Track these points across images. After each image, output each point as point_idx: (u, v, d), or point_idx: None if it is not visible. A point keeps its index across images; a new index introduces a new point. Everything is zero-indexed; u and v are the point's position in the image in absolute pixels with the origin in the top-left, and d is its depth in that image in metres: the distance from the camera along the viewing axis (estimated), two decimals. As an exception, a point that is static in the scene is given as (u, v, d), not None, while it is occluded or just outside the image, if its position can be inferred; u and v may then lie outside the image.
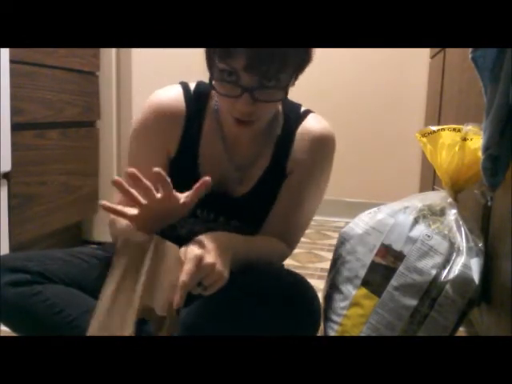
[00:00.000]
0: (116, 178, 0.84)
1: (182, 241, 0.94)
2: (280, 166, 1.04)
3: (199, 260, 0.81)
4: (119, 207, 0.89)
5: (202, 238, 0.88)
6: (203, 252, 0.83)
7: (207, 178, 0.85)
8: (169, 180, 0.83)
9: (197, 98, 1.05)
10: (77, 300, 0.96)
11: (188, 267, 0.81)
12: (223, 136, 1.04)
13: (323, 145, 1.05)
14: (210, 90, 1.04)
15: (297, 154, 1.04)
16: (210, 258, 0.83)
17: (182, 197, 0.86)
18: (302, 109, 1.09)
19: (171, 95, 1.04)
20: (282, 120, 1.06)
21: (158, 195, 0.84)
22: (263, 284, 0.93)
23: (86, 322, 0.85)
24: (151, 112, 1.03)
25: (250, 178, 1.05)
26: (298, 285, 0.96)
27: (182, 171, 1.03)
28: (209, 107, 1.05)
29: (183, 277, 0.80)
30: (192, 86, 1.07)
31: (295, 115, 1.07)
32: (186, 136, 1.03)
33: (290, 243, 1.08)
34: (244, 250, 0.94)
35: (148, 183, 0.83)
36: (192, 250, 0.83)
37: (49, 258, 0.99)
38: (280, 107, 1.07)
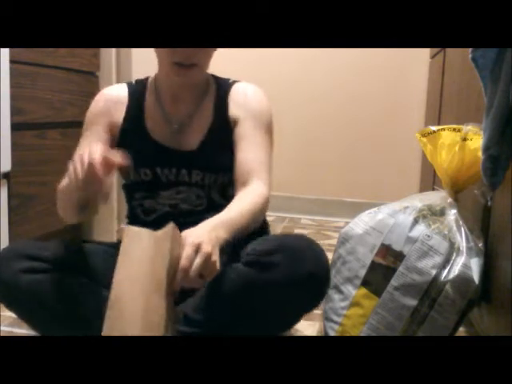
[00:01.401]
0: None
1: (167, 216, 1.09)
2: (223, 119, 1.16)
3: (197, 247, 0.85)
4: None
5: (197, 230, 0.91)
6: (200, 241, 0.86)
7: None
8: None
9: (137, 83, 1.21)
10: (91, 290, 0.98)
11: (188, 252, 0.84)
12: (160, 101, 1.17)
13: (253, 93, 1.19)
14: (147, 77, 1.22)
15: (234, 109, 1.16)
16: (207, 247, 0.86)
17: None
18: (230, 80, 1.22)
19: (116, 85, 1.24)
20: (215, 86, 1.20)
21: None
22: (269, 244, 0.97)
23: (99, 313, 0.88)
24: (96, 100, 1.19)
25: (197, 132, 1.15)
26: (304, 239, 1.00)
27: (134, 137, 1.15)
28: (148, 86, 1.20)
29: (183, 261, 0.83)
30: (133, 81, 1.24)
31: (226, 83, 1.21)
32: (130, 108, 1.17)
33: (263, 179, 1.12)
34: (230, 231, 0.97)
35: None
36: (190, 238, 0.87)
37: (62, 249, 1.02)
38: (211, 79, 1.21)
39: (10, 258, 0.96)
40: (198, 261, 0.84)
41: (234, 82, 1.21)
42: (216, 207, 1.09)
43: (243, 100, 1.17)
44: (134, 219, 1.18)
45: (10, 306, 0.99)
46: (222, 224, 0.96)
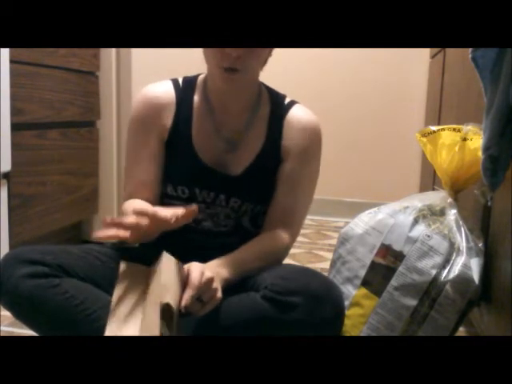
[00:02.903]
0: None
1: (187, 230, 1.03)
2: (275, 148, 1.09)
3: (202, 271, 0.88)
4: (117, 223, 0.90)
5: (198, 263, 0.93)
6: (204, 268, 0.90)
7: (194, 208, 0.93)
8: (153, 211, 0.89)
9: (185, 84, 1.12)
10: (94, 294, 0.97)
11: (196, 274, 0.87)
12: (211, 109, 1.10)
13: (312, 133, 1.11)
14: (197, 76, 1.13)
15: (288, 142, 1.09)
16: (209, 273, 0.89)
17: (172, 216, 0.91)
18: (287, 99, 1.14)
19: (161, 84, 1.13)
20: (269, 104, 1.12)
21: (144, 222, 0.89)
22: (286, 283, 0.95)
23: (104, 316, 0.88)
24: (144, 100, 1.10)
25: (245, 157, 1.09)
26: (326, 283, 0.99)
27: (178, 149, 1.09)
28: (197, 89, 1.12)
29: (194, 279, 0.86)
30: (180, 80, 1.14)
31: (281, 103, 1.13)
32: (178, 116, 1.09)
33: (293, 229, 1.10)
34: (236, 273, 0.99)
35: (130, 223, 0.88)
36: (194, 264, 0.90)
37: (65, 253, 1.01)
38: (265, 91, 1.13)
39: (12, 265, 0.95)
40: (201, 285, 0.87)
41: (291, 103, 1.13)
42: (241, 232, 1.09)
43: (300, 134, 1.09)
44: None
45: (16, 314, 0.98)
46: (228, 263, 0.98)
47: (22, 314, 0.98)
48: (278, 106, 1.12)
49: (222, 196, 1.08)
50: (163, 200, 1.12)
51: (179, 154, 1.09)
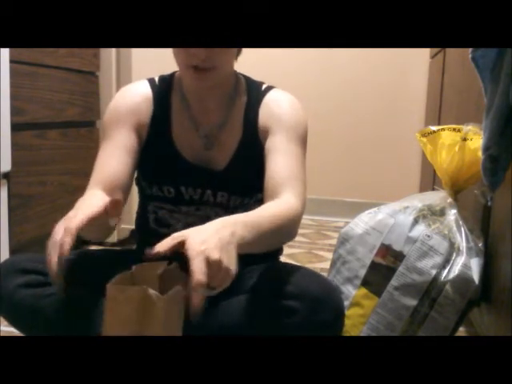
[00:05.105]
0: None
1: None
2: (253, 134, 1.07)
3: (206, 256, 0.72)
4: None
5: (202, 229, 0.78)
6: (206, 248, 0.73)
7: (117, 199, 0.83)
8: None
9: (161, 83, 1.10)
10: (89, 301, 0.94)
11: (198, 265, 0.71)
12: (188, 106, 1.08)
13: (287, 103, 1.08)
14: (173, 74, 1.11)
15: (264, 121, 1.06)
16: (214, 254, 0.73)
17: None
18: (264, 85, 1.12)
19: (137, 83, 1.11)
20: (246, 93, 1.10)
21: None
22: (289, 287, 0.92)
23: (99, 324, 0.82)
24: (121, 97, 1.09)
25: (226, 149, 1.07)
26: (326, 286, 0.95)
27: (159, 149, 1.06)
28: (174, 86, 1.10)
29: (197, 275, 0.71)
30: (157, 79, 1.13)
31: (258, 90, 1.10)
32: (155, 115, 1.07)
33: (296, 192, 0.99)
34: (251, 231, 0.84)
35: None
36: (193, 246, 0.73)
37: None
38: (242, 83, 1.11)
39: (7, 275, 0.94)
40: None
41: (268, 88, 1.11)
42: None
43: (276, 111, 1.06)
44: (143, 224, 1.12)
45: (13, 323, 0.98)
46: (237, 222, 0.82)
47: (18, 323, 0.98)
48: (254, 93, 1.09)
49: (208, 191, 1.06)
50: (149, 202, 1.09)
51: (161, 154, 1.07)
